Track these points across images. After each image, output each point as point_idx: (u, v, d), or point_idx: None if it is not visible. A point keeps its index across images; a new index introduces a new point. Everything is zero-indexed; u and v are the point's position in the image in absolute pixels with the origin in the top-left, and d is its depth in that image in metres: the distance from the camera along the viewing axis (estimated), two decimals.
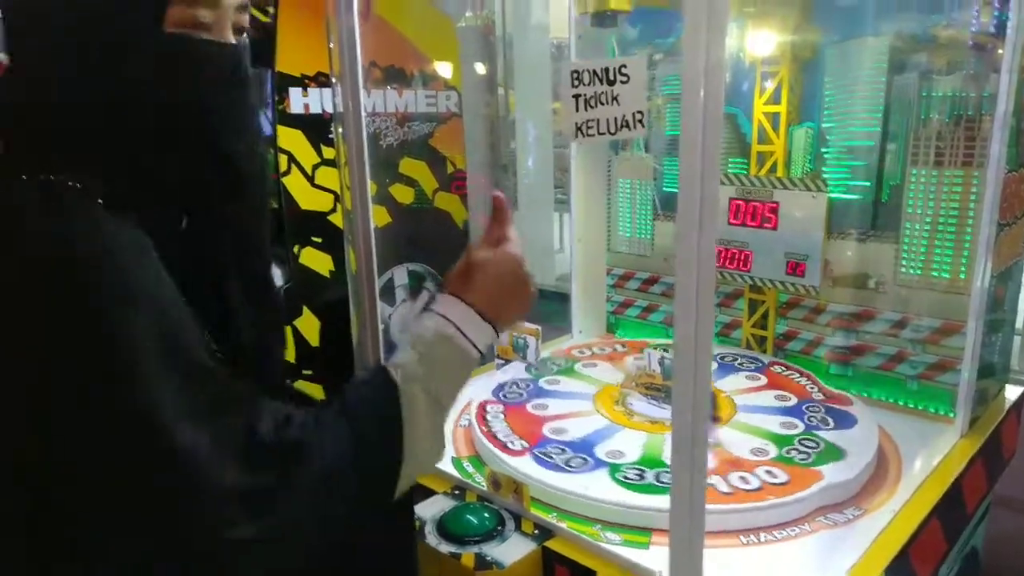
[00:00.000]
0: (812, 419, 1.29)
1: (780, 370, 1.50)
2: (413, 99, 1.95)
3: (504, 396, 1.44)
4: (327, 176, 1.88)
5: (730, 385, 1.43)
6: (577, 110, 0.79)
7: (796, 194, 1.43)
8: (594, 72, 0.77)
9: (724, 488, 1.08)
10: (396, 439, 0.67)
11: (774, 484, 1.08)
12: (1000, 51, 1.22)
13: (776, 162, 1.49)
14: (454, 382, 0.74)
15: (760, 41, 1.42)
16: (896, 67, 1.34)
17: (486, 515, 1.06)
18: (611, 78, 0.77)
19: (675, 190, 0.67)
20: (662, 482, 1.10)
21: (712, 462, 1.13)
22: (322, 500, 0.61)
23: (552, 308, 2.20)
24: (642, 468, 1.14)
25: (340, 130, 1.15)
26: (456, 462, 1.26)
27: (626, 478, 1.12)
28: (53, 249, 0.53)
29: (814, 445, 1.20)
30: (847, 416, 1.30)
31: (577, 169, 1.75)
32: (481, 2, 2.61)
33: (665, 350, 1.38)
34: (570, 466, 1.16)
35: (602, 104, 0.78)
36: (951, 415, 1.36)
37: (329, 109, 1.80)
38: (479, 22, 2.62)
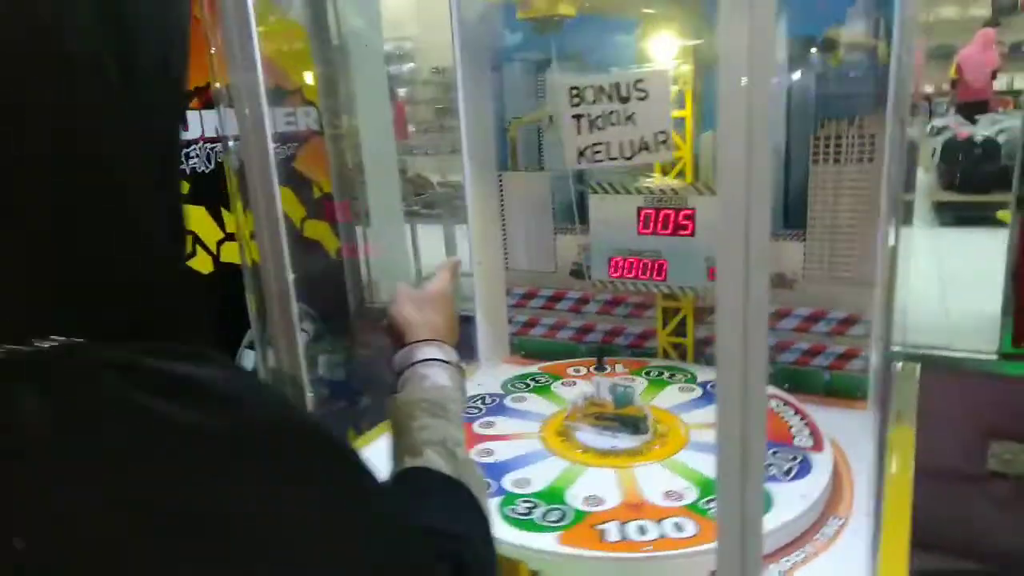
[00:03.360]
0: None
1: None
2: (271, 118, 1.70)
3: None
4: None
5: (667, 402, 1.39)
6: (579, 132, 0.67)
7: (709, 199, 1.41)
8: (600, 88, 0.66)
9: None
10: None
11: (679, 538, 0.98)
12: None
13: (683, 169, 1.46)
14: None
15: (662, 45, 1.39)
16: (794, 69, 1.37)
17: None
18: (624, 94, 0.67)
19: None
20: (548, 521, 1.04)
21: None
22: None
23: None
24: (535, 502, 1.08)
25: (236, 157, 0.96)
26: None
27: (515, 512, 1.06)
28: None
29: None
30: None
31: (471, 188, 1.62)
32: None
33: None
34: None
35: (613, 125, 0.68)
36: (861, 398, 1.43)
37: None
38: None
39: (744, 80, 0.59)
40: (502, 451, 1.25)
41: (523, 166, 1.67)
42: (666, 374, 1.52)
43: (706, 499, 1.06)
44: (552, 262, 1.70)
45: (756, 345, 0.71)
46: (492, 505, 1.01)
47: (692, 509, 1.04)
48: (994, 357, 1.63)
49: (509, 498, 1.10)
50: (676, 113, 1.44)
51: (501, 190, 1.70)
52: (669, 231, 1.47)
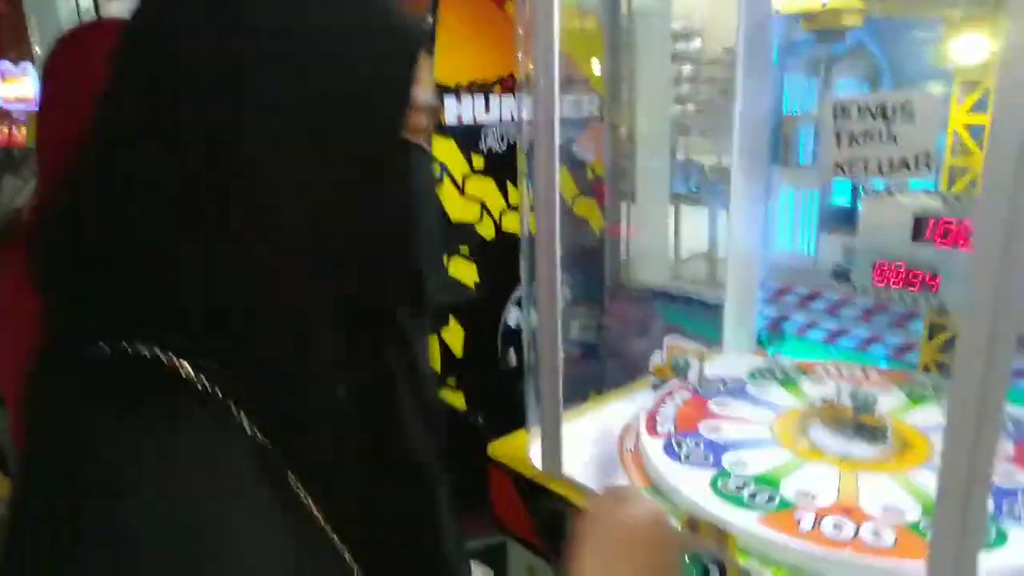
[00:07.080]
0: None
1: None
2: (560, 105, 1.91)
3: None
4: (476, 186, 1.86)
5: None
6: (839, 146, 0.72)
7: None
8: (866, 107, 0.71)
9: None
10: None
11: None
12: None
13: (975, 179, 1.37)
14: None
15: (965, 47, 1.30)
16: None
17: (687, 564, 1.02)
18: (888, 114, 0.70)
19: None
20: (756, 502, 1.08)
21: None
22: None
23: (697, 317, 2.13)
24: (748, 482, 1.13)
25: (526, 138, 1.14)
26: None
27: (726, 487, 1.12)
28: None
29: None
30: None
31: (737, 178, 1.67)
32: None
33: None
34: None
35: (873, 141, 0.72)
36: None
37: (481, 119, 1.77)
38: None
39: None
40: (729, 430, 1.31)
41: (795, 163, 1.67)
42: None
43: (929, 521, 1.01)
44: (811, 260, 1.69)
45: (1004, 363, 0.71)
46: (706, 479, 1.12)
47: (912, 528, 1.02)
48: None
49: (723, 473, 1.16)
50: (975, 118, 1.36)
51: (768, 184, 1.72)
52: (948, 243, 1.39)
